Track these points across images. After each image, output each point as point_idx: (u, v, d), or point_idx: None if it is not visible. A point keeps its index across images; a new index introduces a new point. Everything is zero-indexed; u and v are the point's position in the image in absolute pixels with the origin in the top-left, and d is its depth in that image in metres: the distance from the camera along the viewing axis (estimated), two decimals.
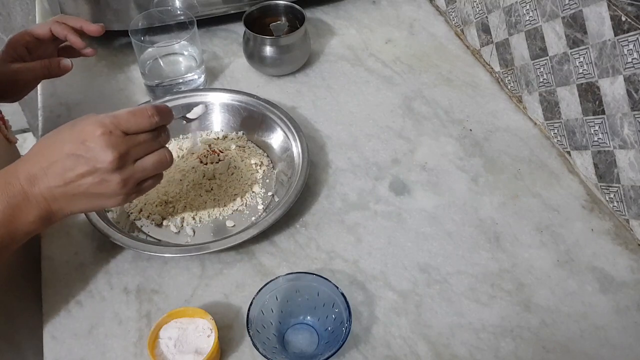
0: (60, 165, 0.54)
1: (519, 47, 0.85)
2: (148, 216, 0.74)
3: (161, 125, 0.58)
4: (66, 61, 0.77)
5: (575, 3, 0.72)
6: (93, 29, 0.79)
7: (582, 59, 0.73)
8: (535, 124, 0.86)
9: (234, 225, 0.74)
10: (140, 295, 0.67)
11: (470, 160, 0.82)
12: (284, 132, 0.80)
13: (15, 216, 0.55)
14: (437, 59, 0.97)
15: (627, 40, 0.65)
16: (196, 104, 0.84)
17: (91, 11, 0.94)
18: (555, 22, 0.76)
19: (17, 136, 0.77)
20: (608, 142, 0.72)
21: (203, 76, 0.91)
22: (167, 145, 0.59)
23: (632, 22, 0.64)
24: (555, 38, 0.77)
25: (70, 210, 0.58)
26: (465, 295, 0.67)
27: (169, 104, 0.83)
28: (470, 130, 0.86)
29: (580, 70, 0.73)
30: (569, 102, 0.77)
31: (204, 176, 0.75)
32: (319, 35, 1.02)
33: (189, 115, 0.69)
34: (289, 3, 0.94)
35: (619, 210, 0.73)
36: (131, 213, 0.75)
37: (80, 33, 0.79)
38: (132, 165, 0.56)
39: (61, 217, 0.58)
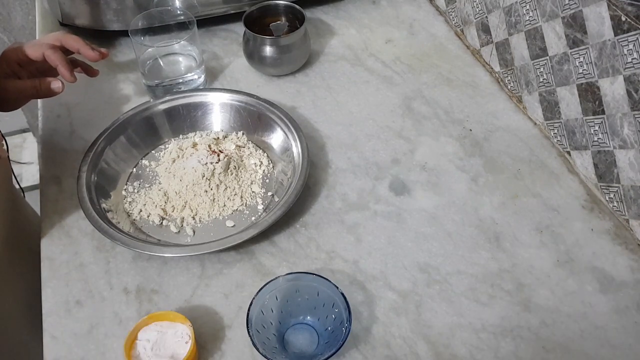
0: None
1: (519, 47, 0.85)
2: (148, 216, 0.74)
3: None
4: (56, 83, 0.72)
5: (575, 3, 0.72)
6: (91, 55, 0.76)
7: (582, 59, 0.73)
8: (535, 124, 0.86)
9: (234, 225, 0.74)
10: (140, 295, 0.67)
11: (470, 160, 0.82)
12: (284, 132, 0.80)
13: None
14: (437, 59, 0.97)
15: (627, 40, 0.65)
16: (196, 104, 0.85)
17: (91, 11, 0.94)
18: (555, 22, 0.76)
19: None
20: (608, 142, 0.72)
21: (203, 76, 0.91)
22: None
23: (632, 22, 0.64)
24: (555, 38, 0.77)
25: None
26: (465, 295, 0.67)
27: (169, 104, 0.84)
28: (470, 130, 0.86)
29: (580, 70, 0.73)
30: (569, 102, 0.77)
31: (204, 176, 0.75)
32: (319, 35, 1.02)
33: None
34: (289, 3, 0.94)
35: (619, 210, 0.73)
36: (131, 213, 0.75)
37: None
38: None
39: None
